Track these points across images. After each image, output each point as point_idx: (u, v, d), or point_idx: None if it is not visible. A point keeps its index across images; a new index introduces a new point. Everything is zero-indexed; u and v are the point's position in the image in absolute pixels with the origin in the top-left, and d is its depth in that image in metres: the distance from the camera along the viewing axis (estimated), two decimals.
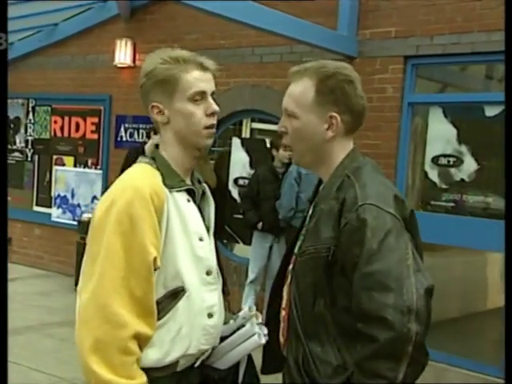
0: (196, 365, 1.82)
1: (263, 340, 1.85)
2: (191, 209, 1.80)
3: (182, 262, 1.74)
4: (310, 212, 1.83)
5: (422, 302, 1.53)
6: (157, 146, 1.87)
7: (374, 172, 1.77)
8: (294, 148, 1.82)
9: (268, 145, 6.59)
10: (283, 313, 1.85)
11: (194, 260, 1.76)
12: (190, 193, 1.83)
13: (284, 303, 1.84)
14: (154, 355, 1.70)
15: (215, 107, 1.81)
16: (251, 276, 6.24)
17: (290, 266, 1.85)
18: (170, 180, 1.77)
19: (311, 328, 1.69)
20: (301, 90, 1.78)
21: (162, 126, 1.83)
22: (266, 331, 1.87)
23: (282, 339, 1.85)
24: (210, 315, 1.79)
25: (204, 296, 1.78)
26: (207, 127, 1.80)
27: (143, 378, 1.66)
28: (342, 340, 1.65)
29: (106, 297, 1.62)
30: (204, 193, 1.92)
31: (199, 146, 1.83)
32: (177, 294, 1.73)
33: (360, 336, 1.55)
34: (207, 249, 1.81)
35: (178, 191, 1.78)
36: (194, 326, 1.75)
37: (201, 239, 1.79)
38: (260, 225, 6.05)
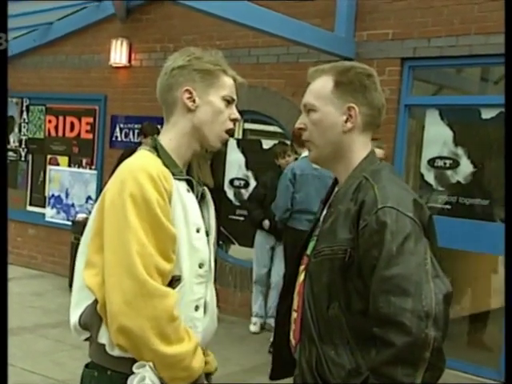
0: None
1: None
2: (191, 198, 1.81)
3: (182, 251, 1.74)
4: (324, 213, 1.82)
5: (440, 308, 1.52)
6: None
7: (393, 175, 1.77)
8: (313, 142, 1.81)
9: (264, 146, 6.66)
10: (295, 315, 1.83)
11: (190, 250, 1.76)
12: (189, 184, 1.83)
13: (295, 305, 1.83)
14: None
15: (238, 115, 1.89)
16: (254, 277, 6.35)
17: (301, 267, 1.83)
18: (172, 168, 1.78)
19: (325, 330, 1.68)
20: (320, 84, 1.81)
21: (181, 113, 1.84)
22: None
23: (293, 341, 1.84)
24: (197, 308, 1.79)
25: (194, 288, 1.77)
26: (227, 131, 1.86)
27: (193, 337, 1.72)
28: (356, 343, 1.64)
29: (140, 273, 1.62)
30: (204, 196, 1.92)
31: (211, 145, 1.87)
32: (172, 282, 1.72)
33: (376, 340, 1.54)
34: (203, 241, 1.81)
35: (179, 179, 1.78)
36: (182, 318, 1.73)
37: (198, 230, 1.79)
38: (266, 223, 6.15)
